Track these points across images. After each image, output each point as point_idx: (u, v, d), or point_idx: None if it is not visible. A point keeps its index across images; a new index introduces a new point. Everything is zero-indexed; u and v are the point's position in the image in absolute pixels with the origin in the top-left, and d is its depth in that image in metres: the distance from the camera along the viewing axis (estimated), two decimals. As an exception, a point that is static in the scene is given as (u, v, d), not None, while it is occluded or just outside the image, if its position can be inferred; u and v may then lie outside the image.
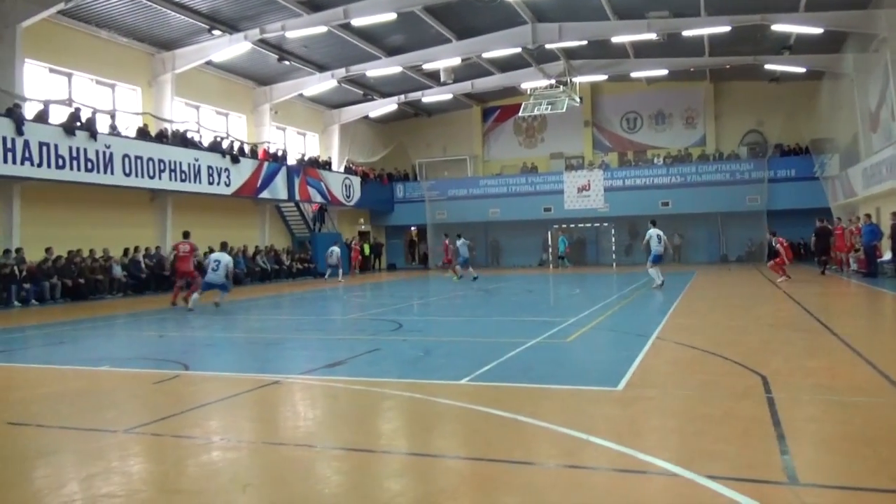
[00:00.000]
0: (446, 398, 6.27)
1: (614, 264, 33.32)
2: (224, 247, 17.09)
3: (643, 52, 30.55)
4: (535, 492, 3.96)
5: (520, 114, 34.11)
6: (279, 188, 28.77)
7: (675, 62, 31.31)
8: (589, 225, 34.90)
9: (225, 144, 26.55)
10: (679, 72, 32.84)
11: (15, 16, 19.76)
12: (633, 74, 33.43)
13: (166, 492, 4.22)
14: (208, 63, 26.10)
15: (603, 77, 33.88)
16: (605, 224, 34.48)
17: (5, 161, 18.05)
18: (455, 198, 36.22)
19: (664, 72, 32.41)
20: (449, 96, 34.97)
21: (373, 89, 34.13)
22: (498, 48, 28.50)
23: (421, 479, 4.34)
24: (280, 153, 30.13)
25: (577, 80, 32.66)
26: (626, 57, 31.46)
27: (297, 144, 34.08)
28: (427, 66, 30.29)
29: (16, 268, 18.66)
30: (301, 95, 31.77)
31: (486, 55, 29.56)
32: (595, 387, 6.67)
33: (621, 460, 4.41)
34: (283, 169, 29.04)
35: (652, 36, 26.14)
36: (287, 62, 28.34)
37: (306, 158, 32.31)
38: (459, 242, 24.97)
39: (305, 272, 29.83)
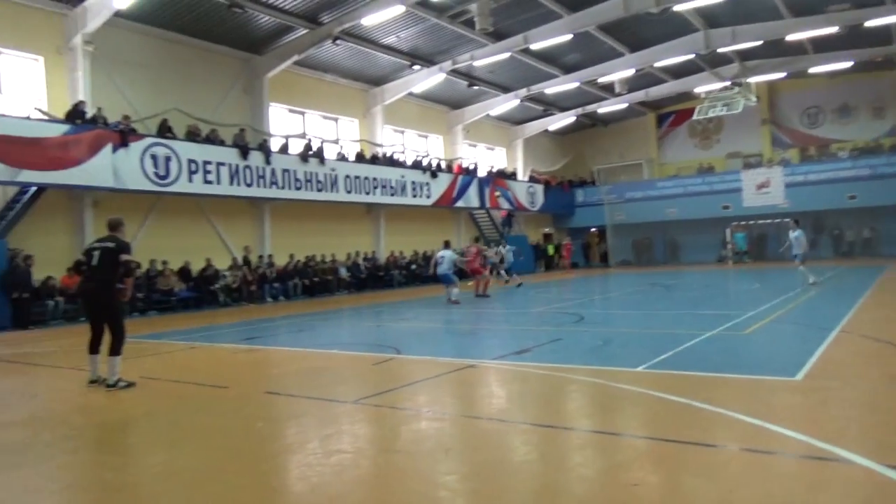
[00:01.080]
0: (624, 383, 6.19)
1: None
2: (447, 245, 17.57)
3: (823, 46, 27.41)
4: (715, 471, 3.83)
5: (694, 117, 32.14)
6: (472, 198, 29.65)
7: (858, 53, 27.77)
8: (769, 221, 32.00)
9: (425, 162, 27.90)
10: (864, 63, 29.05)
11: (263, 69, 22.35)
12: (812, 70, 30.11)
13: (385, 451, 4.64)
14: (410, 94, 27.54)
15: (780, 75, 30.91)
16: (787, 220, 31.40)
17: (259, 185, 20.47)
18: (632, 200, 34.95)
19: (847, 64, 28.83)
20: (624, 105, 33.85)
21: (552, 105, 33.96)
22: (670, 57, 27.11)
23: (601, 453, 4.36)
24: (472, 167, 31.01)
25: (753, 80, 30.09)
26: (804, 53, 28.45)
27: (487, 158, 34.85)
28: (602, 80, 29.58)
29: (267, 270, 21.05)
30: (488, 115, 32.46)
31: (658, 64, 28.26)
32: (772, 377, 6.21)
33: (800, 447, 4.11)
34: (475, 181, 29.87)
35: (833, 29, 23.41)
36: (475, 87, 29.11)
37: (495, 170, 32.94)
38: (506, 249, 22.33)
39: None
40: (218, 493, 3.82)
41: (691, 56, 27.09)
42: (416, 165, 27.24)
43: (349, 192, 23.56)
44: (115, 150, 16.82)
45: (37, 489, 4.18)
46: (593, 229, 38.00)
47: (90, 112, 17.01)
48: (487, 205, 30.72)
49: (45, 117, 16.48)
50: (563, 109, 34.56)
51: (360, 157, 25.10)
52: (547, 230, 37.73)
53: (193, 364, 9.03)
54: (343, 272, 23.43)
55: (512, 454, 4.44)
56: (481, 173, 31.15)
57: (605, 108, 34.50)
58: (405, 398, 6.15)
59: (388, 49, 24.25)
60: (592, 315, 12.88)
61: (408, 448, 4.61)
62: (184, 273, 19.06)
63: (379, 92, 27.15)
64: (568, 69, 28.62)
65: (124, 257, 6.92)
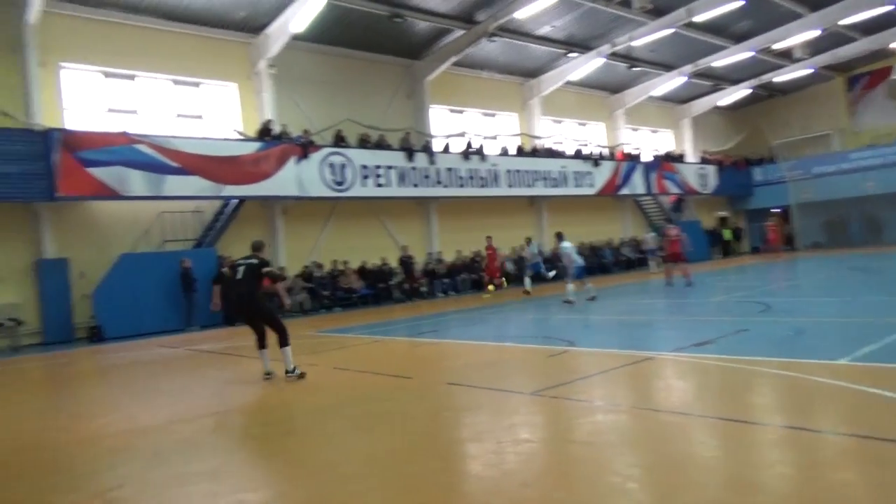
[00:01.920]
0: (822, 377, 5.72)
1: None
2: (560, 237, 15.68)
3: None
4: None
5: (893, 76, 28.34)
6: (637, 184, 28.61)
7: None
8: None
9: (586, 151, 27.39)
10: None
11: (423, 73, 23.30)
12: None
13: (568, 442, 4.72)
14: (567, 82, 27.17)
15: None
16: None
17: (425, 185, 21.41)
18: (821, 175, 31.55)
19: None
20: (806, 72, 30.71)
21: (721, 79, 31.71)
22: (860, 11, 24.15)
23: (800, 451, 4.11)
24: (636, 152, 29.92)
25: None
26: None
27: (651, 142, 33.40)
28: (778, 46, 27.08)
29: (436, 267, 21.93)
30: (651, 97, 31.06)
31: (845, 21, 25.29)
32: None
33: None
34: (640, 166, 28.79)
35: None
36: (636, 68, 28.03)
37: (661, 154, 31.50)
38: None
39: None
40: (416, 474, 4.14)
41: (888, 8, 23.92)
42: (577, 155, 26.84)
43: (511, 185, 23.84)
44: (297, 161, 18.50)
45: (258, 466, 4.81)
46: (776, 210, 34.94)
47: (277, 129, 18.82)
48: (654, 190, 29.47)
49: (241, 137, 18.52)
50: (735, 82, 32.16)
51: (520, 151, 25.27)
52: (722, 213, 35.32)
53: (378, 356, 9.72)
54: (509, 266, 23.72)
55: (699, 448, 4.32)
56: (646, 158, 29.95)
57: (783, 77, 31.57)
58: (583, 390, 6.18)
59: (543, 39, 24.13)
60: (780, 304, 11.93)
61: (591, 439, 4.66)
62: (362, 272, 20.44)
63: (535, 84, 27.10)
64: (738, 38, 26.59)
65: (266, 269, 7.89)
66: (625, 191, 28.26)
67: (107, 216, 16.97)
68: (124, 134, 15.94)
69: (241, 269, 7.87)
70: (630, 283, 20.60)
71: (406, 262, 21.14)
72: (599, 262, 26.33)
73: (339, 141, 20.07)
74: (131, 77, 18.02)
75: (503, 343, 9.78)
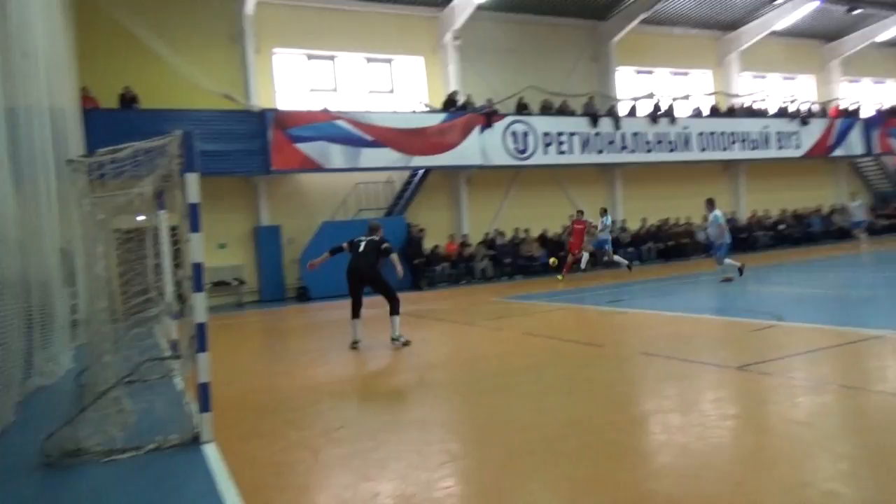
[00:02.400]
0: None
1: None
2: (711, 205, 13.69)
3: None
4: None
5: None
6: (854, 144, 25.28)
7: None
8: None
9: (793, 108, 24.67)
10: None
11: (609, 34, 22.40)
12: None
13: (780, 420, 4.39)
14: (772, 32, 24.55)
15: None
16: None
17: (609, 151, 20.75)
18: None
19: None
20: None
21: (970, 15, 26.73)
22: None
23: None
24: (854, 107, 26.38)
25: None
26: None
27: (874, 95, 29.20)
28: None
29: (620, 235, 21.25)
30: (874, 43, 27.05)
31: None
32: None
33: None
34: (858, 123, 25.37)
35: None
36: (858, 11, 24.52)
37: (885, 108, 27.46)
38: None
39: (892, 229, 25.46)
40: (618, 441, 4.12)
41: None
42: (782, 113, 24.28)
43: (703, 149, 22.30)
44: (481, 131, 18.82)
45: (463, 419, 5.07)
46: None
47: (461, 100, 19.27)
48: (876, 150, 25.87)
49: (428, 109, 19.25)
50: None
51: (714, 111, 23.44)
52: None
53: (566, 323, 9.71)
54: (700, 235, 22.29)
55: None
56: (866, 113, 26.29)
57: None
58: (798, 367, 5.69)
59: (746, -14, 22.00)
60: None
61: (809, 420, 4.30)
62: (542, 239, 20.42)
63: (734, 37, 24.85)
64: None
65: (385, 245, 8.55)
66: (838, 151, 25.13)
67: (311, 187, 18.60)
68: (325, 111, 17.30)
69: (363, 244, 8.54)
70: (842, 254, 18.42)
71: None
72: (805, 231, 23.81)
73: (522, 109, 20.06)
74: (331, 58, 19.42)
75: (700, 315, 9.28)
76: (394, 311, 8.37)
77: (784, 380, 5.31)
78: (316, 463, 4.08)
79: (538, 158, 19.76)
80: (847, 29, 26.58)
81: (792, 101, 25.19)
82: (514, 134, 19.36)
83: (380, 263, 8.51)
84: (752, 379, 5.45)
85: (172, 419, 4.95)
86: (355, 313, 8.57)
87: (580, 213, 17.66)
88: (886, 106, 27.71)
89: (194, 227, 4.37)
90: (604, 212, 17.47)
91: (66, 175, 9.69)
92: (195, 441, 4.45)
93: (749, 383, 5.37)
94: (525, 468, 3.74)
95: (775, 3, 23.01)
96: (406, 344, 8.18)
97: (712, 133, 22.41)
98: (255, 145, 16.49)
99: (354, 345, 8.40)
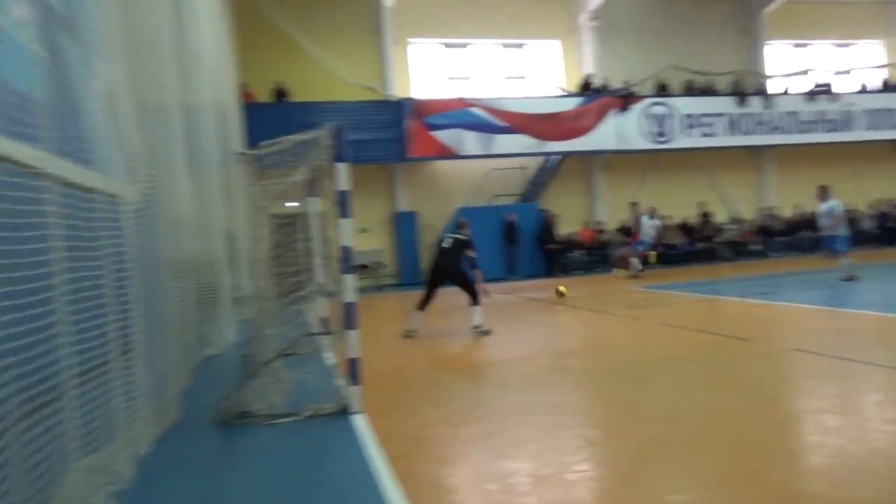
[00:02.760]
0: None
1: None
2: (824, 192, 12.21)
3: None
4: None
5: None
6: None
7: None
8: None
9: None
10: None
11: (760, 6, 20.81)
12: None
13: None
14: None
15: None
16: None
17: (758, 132, 19.41)
18: None
19: None
20: None
21: None
22: None
23: None
24: None
25: None
26: None
27: None
28: None
29: (771, 223, 19.85)
30: None
31: None
32: None
33: None
34: None
35: None
36: None
37: None
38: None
39: None
40: (765, 439, 3.94)
41: None
42: (970, 84, 21.43)
43: (871, 128, 20.21)
44: (617, 114, 18.30)
45: (599, 406, 5.07)
46: None
47: (597, 83, 18.83)
48: None
49: (563, 93, 19.01)
50: None
51: (886, 86, 21.12)
52: None
53: (709, 315, 9.29)
54: (866, 224, 20.32)
55: None
56: None
57: None
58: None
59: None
60: None
61: None
62: (684, 227, 19.55)
63: (910, 1, 22.22)
64: None
65: (470, 253, 8.58)
66: None
67: (446, 174, 19.05)
68: (460, 99, 17.62)
69: (450, 240, 8.66)
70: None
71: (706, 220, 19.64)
72: None
73: (662, 90, 19.24)
74: (465, 45, 19.69)
75: (859, 310, 8.53)
76: (474, 302, 8.50)
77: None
78: (455, 439, 4.29)
79: (679, 142, 18.90)
80: None
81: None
82: (652, 116, 18.66)
83: (461, 261, 8.68)
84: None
85: (325, 390, 5.38)
86: (423, 306, 8.74)
87: (634, 205, 16.92)
88: None
89: (344, 213, 4.71)
90: (633, 205, 16.68)
91: (231, 165, 10.71)
92: (345, 411, 4.82)
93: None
94: (662, 459, 3.71)
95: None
96: (486, 333, 8.24)
97: (881, 110, 20.23)
98: (394, 134, 17.16)
99: (410, 333, 8.53)
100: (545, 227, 17.95)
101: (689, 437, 4.00)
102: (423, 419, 4.79)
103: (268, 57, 17.26)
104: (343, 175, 4.77)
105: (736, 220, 19.77)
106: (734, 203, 20.57)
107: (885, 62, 22.29)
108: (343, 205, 4.77)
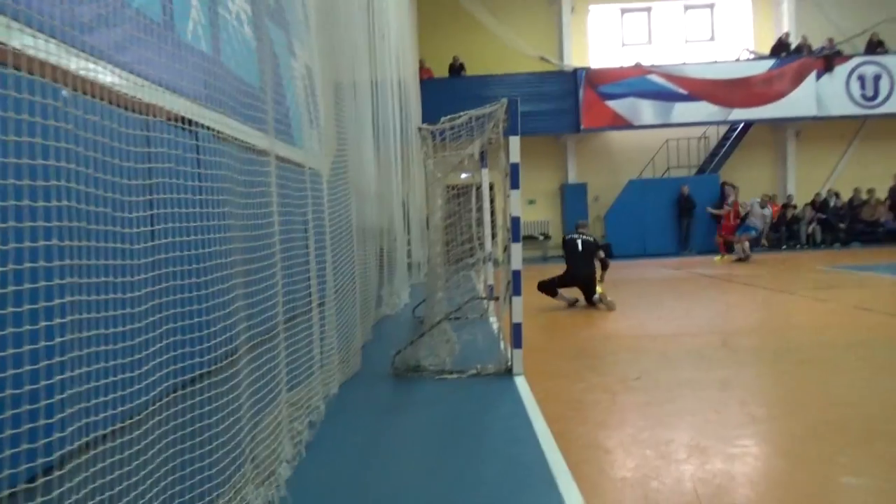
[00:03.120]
0: None
1: None
2: None
3: None
4: None
5: None
6: None
7: None
8: None
9: None
10: None
11: None
12: None
13: None
14: None
15: None
16: None
17: None
18: None
19: None
20: None
21: None
22: None
23: None
24: None
25: None
26: None
27: None
28: None
29: None
30: None
31: None
32: None
33: None
34: None
35: None
36: None
37: None
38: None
39: None
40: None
41: None
42: None
43: None
44: (818, 76, 16.59)
45: (769, 386, 4.90)
46: None
47: (795, 42, 17.17)
48: None
49: (753, 56, 17.58)
50: None
51: None
52: None
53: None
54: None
55: None
56: None
57: None
58: None
59: None
60: None
61: None
62: (892, 202, 17.38)
63: None
64: None
65: (601, 254, 8.62)
66: None
67: (618, 145, 18.58)
68: (637, 66, 17.00)
69: (580, 244, 8.49)
70: None
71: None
72: None
73: (876, 47, 17.06)
74: (647, 9, 18.85)
75: None
76: (591, 300, 8.47)
77: None
78: (613, 405, 4.41)
79: (893, 106, 16.70)
80: None
81: None
82: (861, 78, 16.68)
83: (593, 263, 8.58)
84: None
85: (489, 352, 5.74)
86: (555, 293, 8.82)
87: (734, 188, 15.40)
88: None
89: (514, 185, 4.95)
90: (764, 201, 15.28)
91: (409, 139, 11.41)
92: (508, 372, 5.13)
93: None
94: (834, 441, 3.56)
95: None
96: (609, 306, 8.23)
97: None
98: (567, 104, 17.04)
99: (574, 303, 8.69)
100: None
101: (868, 423, 3.78)
102: (583, 385, 4.96)
103: (445, 32, 17.86)
104: (515, 148, 5.01)
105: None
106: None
107: None
108: (514, 176, 5.02)
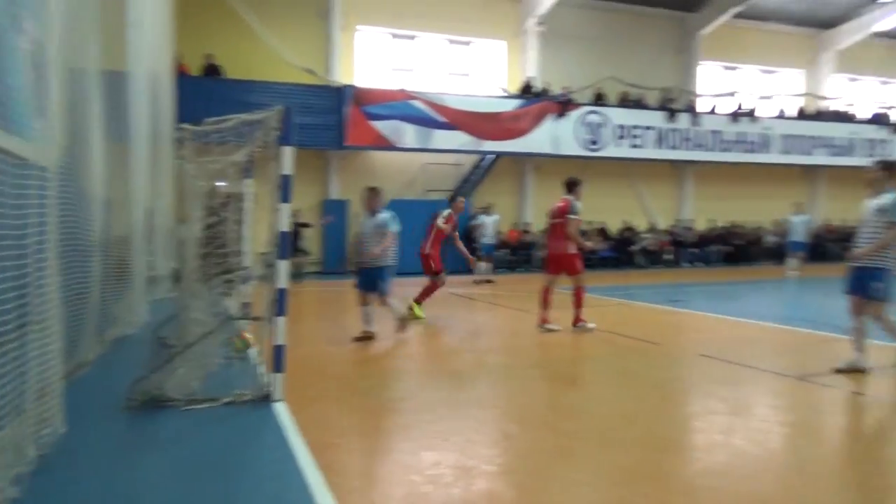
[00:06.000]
0: None
1: None
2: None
3: None
4: None
5: None
6: (952, 157, 23.89)
7: None
8: None
9: (891, 116, 23.42)
10: None
11: (697, 26, 21.75)
12: None
13: (851, 436, 4.38)
14: (873, 34, 23.28)
15: None
16: None
17: (684, 148, 20.32)
18: None
19: None
20: None
21: None
22: None
23: None
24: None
25: None
26: None
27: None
28: None
29: (685, 235, 20.83)
30: None
31: None
32: None
33: None
34: (959, 136, 23.92)
35: None
36: (970, 15, 22.96)
37: None
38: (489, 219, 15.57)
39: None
40: (671, 437, 4.21)
41: None
42: (874, 120, 23.11)
43: (785, 152, 21.53)
44: (555, 119, 18.73)
45: (521, 403, 5.25)
46: None
47: (538, 87, 19.20)
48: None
49: (504, 94, 19.27)
50: None
51: (801, 114, 22.55)
52: None
53: (623, 319, 9.70)
54: (770, 240, 21.62)
55: None
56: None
57: None
58: (863, 382, 5.60)
59: (850, -17, 20.96)
60: None
61: (877, 435, 4.28)
62: (603, 233, 20.22)
63: (831, 35, 23.72)
64: None
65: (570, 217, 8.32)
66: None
67: (381, 164, 18.98)
68: (402, 90, 17.58)
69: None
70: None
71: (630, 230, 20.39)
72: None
73: (599, 99, 19.83)
74: (412, 37, 19.63)
75: (763, 322, 9.11)
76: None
77: (848, 394, 5.25)
78: (379, 429, 4.35)
79: (609, 151, 19.53)
80: (956, 34, 24.95)
81: (889, 108, 23.94)
82: (588, 124, 19.19)
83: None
84: (814, 390, 5.42)
85: (246, 377, 5.32)
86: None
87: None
88: None
89: (285, 198, 4.68)
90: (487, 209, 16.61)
91: (161, 138, 10.30)
92: (267, 399, 4.78)
93: (811, 393, 5.34)
94: (576, 452, 3.90)
95: (877, 1, 21.81)
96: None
97: (795, 136, 21.59)
98: (332, 120, 16.94)
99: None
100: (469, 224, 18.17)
101: (602, 434, 4.22)
102: (348, 409, 4.82)
103: (207, 29, 16.69)
104: (287, 159, 4.74)
105: (653, 230, 20.62)
106: (653, 213, 21.44)
107: (803, 91, 23.77)
108: (285, 189, 4.74)
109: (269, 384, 4.87)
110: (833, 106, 23.37)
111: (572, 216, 8.29)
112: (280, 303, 4.78)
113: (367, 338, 7.46)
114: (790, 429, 4.48)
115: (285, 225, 4.74)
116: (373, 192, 7.87)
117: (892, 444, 4.21)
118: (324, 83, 17.41)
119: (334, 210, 18.19)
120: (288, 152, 4.69)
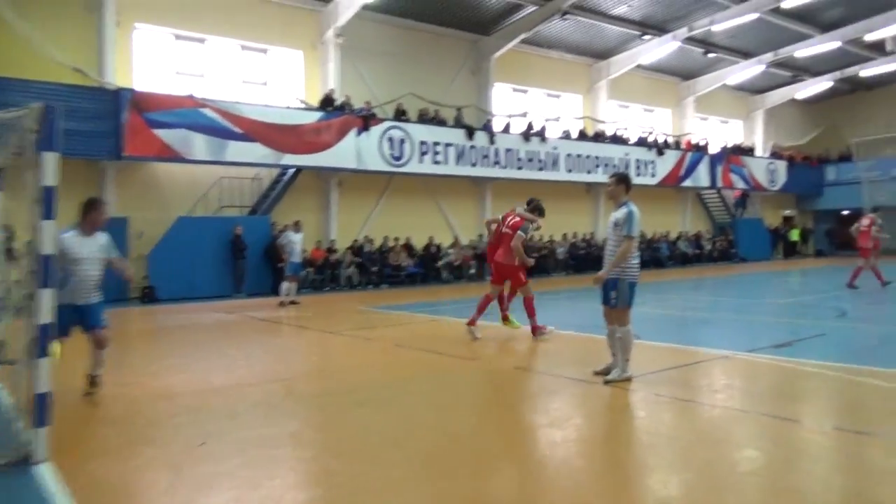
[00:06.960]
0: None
1: None
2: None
3: None
4: None
5: None
6: (701, 176, 27.95)
7: None
8: None
9: (651, 139, 26.85)
10: None
11: (490, 50, 23.13)
12: None
13: (647, 433, 4.71)
14: (637, 66, 26.56)
15: None
16: None
17: (483, 165, 21.39)
18: (902, 177, 30.30)
19: None
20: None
21: (803, 70, 30.52)
22: (966, 3, 22.89)
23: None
24: (703, 143, 29.19)
25: None
26: None
27: (720, 133, 32.48)
28: (870, 37, 25.89)
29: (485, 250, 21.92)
30: (724, 85, 30.16)
31: (947, 14, 24.00)
32: None
33: None
34: (706, 158, 28.10)
35: None
36: (712, 54, 27.21)
37: (729, 146, 30.65)
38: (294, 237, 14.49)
39: (725, 256, 28.49)
40: (499, 455, 4.20)
41: None
42: (642, 142, 26.33)
43: (570, 170, 23.62)
44: (358, 133, 18.65)
45: (338, 434, 4.95)
46: (846, 212, 33.66)
47: (339, 100, 18.99)
48: (719, 184, 28.78)
49: (304, 106, 18.76)
50: (816, 74, 30.95)
51: (582, 135, 24.94)
52: (787, 212, 34.26)
53: (436, 335, 9.79)
54: (561, 252, 23.55)
55: (804, 455, 4.26)
56: (713, 149, 29.20)
57: (870, 71, 30.20)
58: (659, 383, 6.13)
59: (619, 20, 23.66)
60: (858, 309, 11.57)
61: (670, 433, 4.64)
62: (409, 249, 20.56)
63: (604, 66, 26.62)
64: (826, 27, 25.54)
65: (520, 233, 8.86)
66: (687, 182, 27.66)
67: (168, 178, 17.45)
68: (191, 97, 16.31)
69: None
70: (688, 278, 20.22)
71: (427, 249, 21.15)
72: (654, 255, 25.80)
73: (400, 115, 20.15)
74: (201, 40, 18.37)
75: (565, 332, 9.73)
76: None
77: (650, 396, 5.70)
78: (178, 484, 3.78)
79: (413, 167, 19.90)
80: (702, 70, 29.37)
81: (650, 133, 27.42)
82: (390, 140, 19.38)
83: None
84: (618, 394, 5.80)
85: (-1, 434, 4.39)
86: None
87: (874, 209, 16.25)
88: (730, 144, 30.95)
89: (48, 214, 3.93)
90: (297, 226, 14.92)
91: None
92: (26, 461, 3.97)
93: (616, 398, 5.71)
94: (406, 484, 3.71)
95: (644, 38, 24.92)
96: None
97: (579, 155, 23.81)
98: (106, 127, 15.18)
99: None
100: (275, 243, 17.40)
101: (427, 461, 4.08)
102: (137, 462, 4.16)
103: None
104: (51, 167, 4.00)
105: (457, 245, 21.40)
106: (456, 229, 22.28)
107: (583, 114, 26.35)
108: (48, 203, 3.99)
109: (30, 442, 4.04)
110: (609, 129, 26.19)
111: (522, 233, 8.82)
112: (42, 341, 4.00)
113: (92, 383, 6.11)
114: (603, 433, 4.71)
115: (49, 247, 3.98)
116: (94, 206, 6.12)
117: (697, 443, 4.60)
118: (96, 84, 15.60)
119: (111, 229, 16.29)
120: (52, 159, 3.96)
